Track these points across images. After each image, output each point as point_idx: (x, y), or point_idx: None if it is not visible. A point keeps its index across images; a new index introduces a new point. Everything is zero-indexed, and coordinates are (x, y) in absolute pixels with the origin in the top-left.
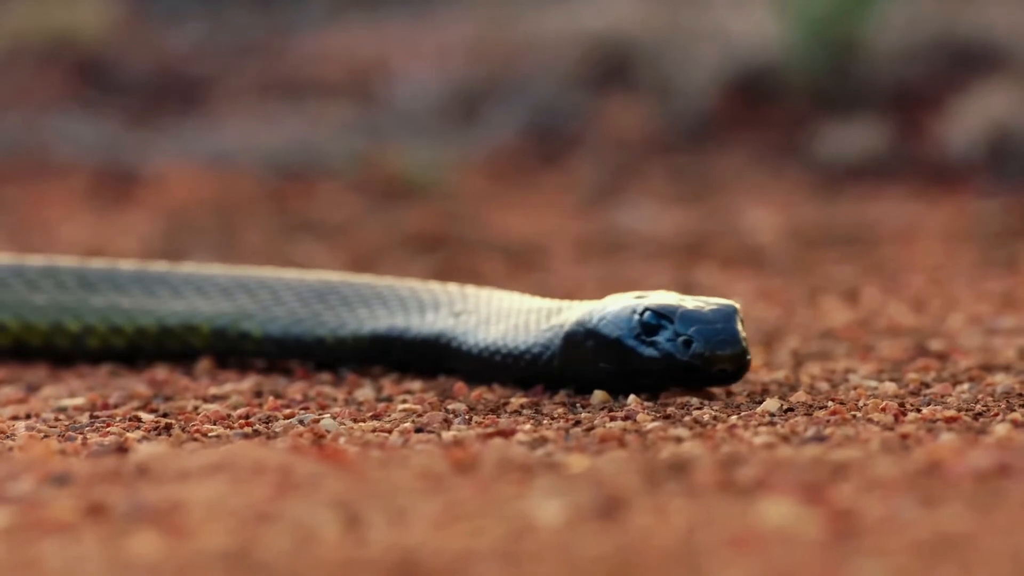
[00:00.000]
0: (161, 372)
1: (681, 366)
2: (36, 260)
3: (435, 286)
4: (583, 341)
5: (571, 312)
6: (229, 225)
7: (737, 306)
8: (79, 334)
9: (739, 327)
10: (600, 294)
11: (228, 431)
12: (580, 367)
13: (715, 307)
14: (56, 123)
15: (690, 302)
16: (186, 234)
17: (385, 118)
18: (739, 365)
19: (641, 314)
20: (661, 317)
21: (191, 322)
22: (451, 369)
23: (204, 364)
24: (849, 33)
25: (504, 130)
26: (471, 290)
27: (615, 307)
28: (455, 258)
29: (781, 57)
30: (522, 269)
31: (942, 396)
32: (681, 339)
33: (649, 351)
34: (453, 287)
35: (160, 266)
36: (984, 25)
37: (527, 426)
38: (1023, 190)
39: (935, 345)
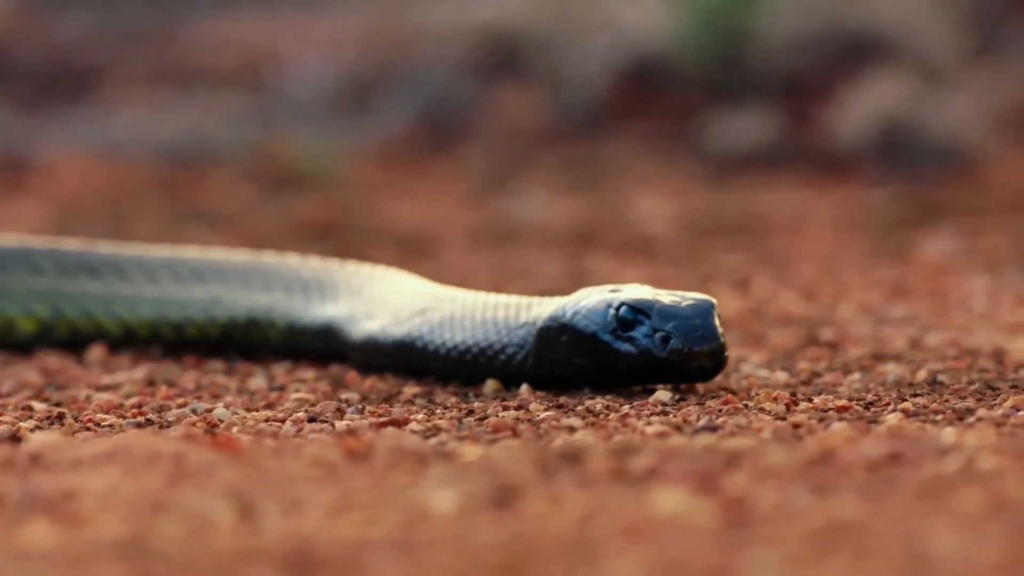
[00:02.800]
0: (53, 361)
1: (659, 362)
2: None
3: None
4: (557, 336)
5: (541, 308)
6: (121, 214)
7: (714, 301)
8: None
9: (716, 323)
10: (493, 283)
11: (121, 420)
12: (555, 363)
13: (692, 302)
14: None
15: (666, 297)
16: (77, 223)
17: (277, 107)
18: (717, 361)
19: (617, 309)
20: (638, 312)
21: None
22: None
23: (96, 353)
24: (740, 23)
25: (396, 119)
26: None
27: (589, 301)
28: (347, 247)
29: (672, 46)
30: (414, 258)
31: (833, 385)
32: (659, 335)
33: (626, 347)
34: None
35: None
36: (874, 15)
37: (420, 415)
38: (912, 179)
39: (826, 334)
